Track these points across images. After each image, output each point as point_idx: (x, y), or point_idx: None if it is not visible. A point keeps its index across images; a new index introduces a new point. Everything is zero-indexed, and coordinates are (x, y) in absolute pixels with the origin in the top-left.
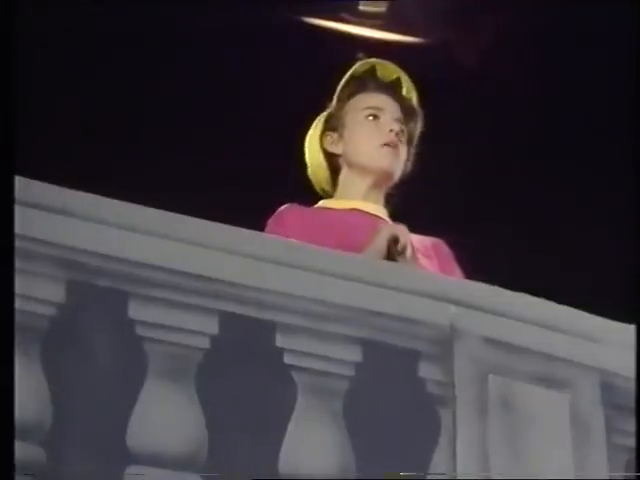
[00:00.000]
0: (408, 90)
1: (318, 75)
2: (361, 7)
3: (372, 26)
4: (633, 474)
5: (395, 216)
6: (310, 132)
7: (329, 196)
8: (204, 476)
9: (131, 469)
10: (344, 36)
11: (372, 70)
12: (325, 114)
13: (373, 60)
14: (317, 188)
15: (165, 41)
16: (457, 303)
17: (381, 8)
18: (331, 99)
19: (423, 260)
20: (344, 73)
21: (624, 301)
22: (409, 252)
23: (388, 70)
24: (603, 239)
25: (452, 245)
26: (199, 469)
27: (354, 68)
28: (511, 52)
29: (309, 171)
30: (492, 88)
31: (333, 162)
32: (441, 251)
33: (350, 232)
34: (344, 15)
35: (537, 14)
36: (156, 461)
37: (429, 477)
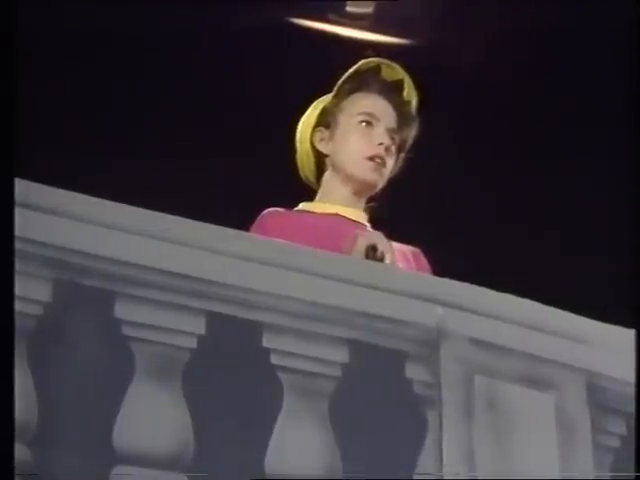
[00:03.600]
0: (409, 94)
1: (305, 75)
2: (348, 8)
3: (359, 27)
4: (633, 474)
5: (376, 221)
6: (304, 118)
7: (311, 185)
8: (190, 476)
9: (117, 469)
10: (331, 37)
11: (377, 68)
12: (321, 106)
13: (379, 59)
14: (302, 174)
15: (157, 41)
16: (444, 304)
17: (368, 9)
18: (330, 91)
19: (403, 267)
20: (332, 73)
21: (624, 306)
22: (388, 259)
23: (393, 71)
24: (603, 242)
25: (444, 246)
26: (185, 469)
27: (359, 64)
28: (503, 53)
29: (297, 156)
30: (482, 90)
31: (320, 159)
32: (419, 261)
33: (331, 238)
34: (331, 16)
35: (530, 13)
36: (142, 461)
37: (415, 477)
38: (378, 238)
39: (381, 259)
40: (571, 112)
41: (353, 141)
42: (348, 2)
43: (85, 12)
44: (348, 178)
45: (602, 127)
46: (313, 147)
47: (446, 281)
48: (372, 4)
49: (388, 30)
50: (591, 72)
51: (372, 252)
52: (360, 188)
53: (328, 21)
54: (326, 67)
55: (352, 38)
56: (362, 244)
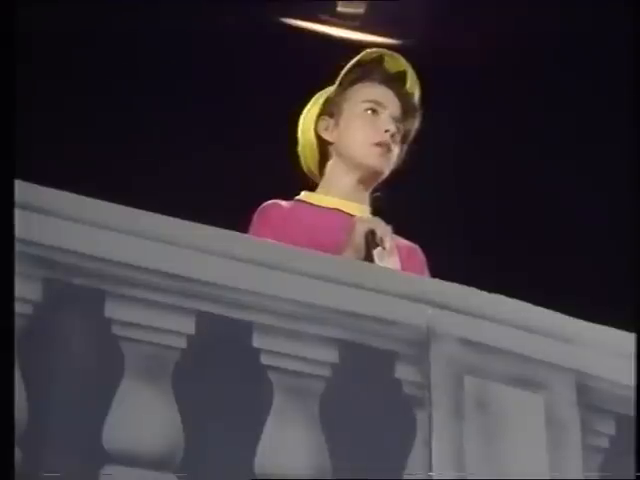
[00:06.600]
0: (412, 85)
1: (297, 75)
2: (339, 8)
3: (350, 27)
4: (633, 474)
5: (377, 215)
6: (307, 108)
7: (314, 177)
8: (180, 476)
9: (107, 469)
10: (322, 37)
11: (380, 59)
12: (325, 96)
13: (382, 50)
14: (304, 166)
15: (155, 41)
16: (434, 304)
17: (359, 9)
18: (332, 83)
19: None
20: (324, 73)
21: (625, 310)
22: (388, 242)
23: (396, 62)
24: (602, 243)
25: (437, 247)
26: (175, 469)
27: (362, 55)
28: (497, 53)
29: (299, 148)
30: (478, 89)
31: (324, 147)
32: (415, 257)
33: (330, 232)
34: (322, 16)
35: (523, 13)
36: (132, 461)
37: (405, 478)
38: (377, 223)
39: (380, 244)
40: (572, 112)
41: (359, 128)
42: (339, 2)
43: (85, 12)
44: (354, 165)
45: (603, 127)
46: (317, 136)
47: (436, 281)
48: (363, 4)
49: (379, 30)
50: (591, 71)
51: (371, 236)
52: (366, 175)
53: (319, 21)
54: (318, 67)
55: (343, 38)
56: (361, 229)
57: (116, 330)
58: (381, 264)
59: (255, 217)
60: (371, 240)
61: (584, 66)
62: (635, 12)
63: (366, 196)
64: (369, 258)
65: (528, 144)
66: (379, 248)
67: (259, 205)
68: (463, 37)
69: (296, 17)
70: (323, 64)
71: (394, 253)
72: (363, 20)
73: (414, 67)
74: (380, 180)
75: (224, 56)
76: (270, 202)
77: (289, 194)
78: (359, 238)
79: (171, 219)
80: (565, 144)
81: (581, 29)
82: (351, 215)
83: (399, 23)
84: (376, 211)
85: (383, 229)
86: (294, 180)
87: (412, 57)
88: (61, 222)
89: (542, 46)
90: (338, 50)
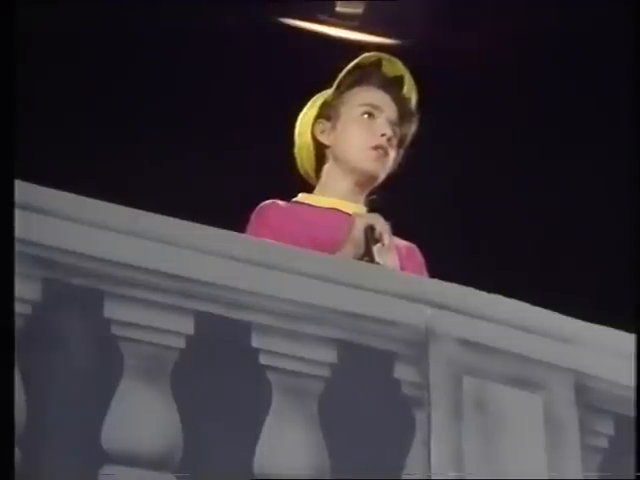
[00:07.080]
0: (409, 90)
1: (295, 76)
2: (338, 8)
3: (348, 27)
4: (633, 475)
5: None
6: (304, 110)
7: (310, 181)
8: (179, 476)
9: (106, 469)
10: (320, 37)
11: (378, 63)
12: (322, 99)
13: (380, 54)
14: (301, 170)
15: (155, 41)
16: (432, 305)
17: (357, 9)
18: (323, 90)
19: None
20: (322, 74)
21: (625, 310)
22: (387, 238)
23: (394, 66)
24: (602, 245)
25: (436, 248)
26: (174, 469)
27: (360, 58)
28: (494, 53)
29: (296, 150)
30: (475, 90)
31: (320, 150)
32: (414, 257)
33: (328, 231)
34: (321, 16)
35: (521, 14)
36: (131, 461)
37: (403, 478)
38: (376, 219)
39: (379, 239)
40: (572, 112)
41: (355, 132)
42: (338, 2)
43: (85, 12)
44: (350, 169)
45: (603, 127)
46: (314, 139)
47: (435, 282)
48: (362, 4)
49: (378, 30)
50: (591, 71)
51: (370, 232)
52: (361, 179)
53: (318, 21)
54: (316, 68)
55: (342, 38)
56: (360, 224)
57: (115, 330)
58: (380, 260)
59: (253, 217)
60: (370, 236)
61: (584, 66)
62: (635, 12)
63: (362, 199)
64: (369, 254)
65: (528, 144)
66: (379, 244)
67: (258, 205)
68: (462, 38)
69: (295, 17)
70: (322, 64)
71: (393, 249)
72: (362, 20)
73: (412, 67)
74: (376, 184)
75: (224, 56)
76: (268, 202)
77: (289, 194)
78: (358, 233)
79: (170, 219)
80: (565, 144)
81: (581, 29)
82: (349, 214)
83: (398, 23)
84: (372, 212)
85: (382, 225)
86: (294, 180)
87: (411, 57)
88: (60, 222)
89: (542, 46)
90: (337, 50)
